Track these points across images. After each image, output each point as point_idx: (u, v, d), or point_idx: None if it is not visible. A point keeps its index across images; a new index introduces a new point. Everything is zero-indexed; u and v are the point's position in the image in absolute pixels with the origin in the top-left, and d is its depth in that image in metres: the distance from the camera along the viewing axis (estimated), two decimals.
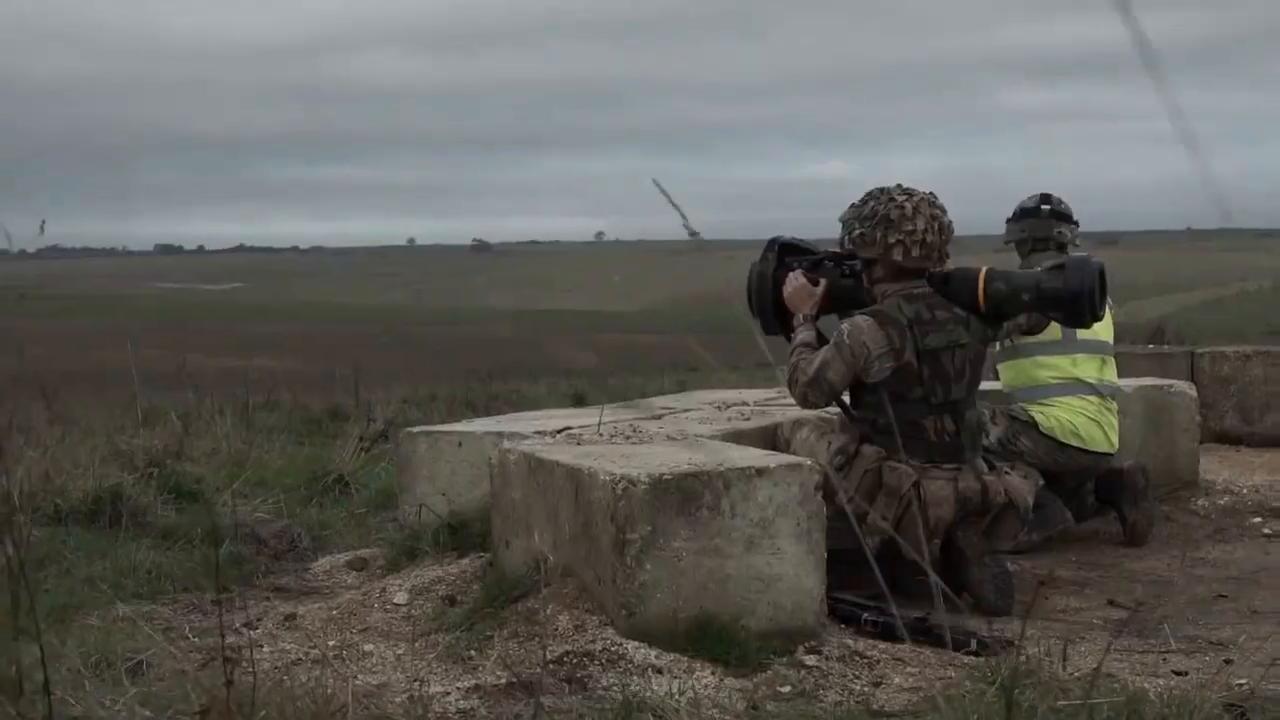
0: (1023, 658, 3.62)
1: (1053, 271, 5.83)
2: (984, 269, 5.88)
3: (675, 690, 4.01)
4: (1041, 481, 6.14)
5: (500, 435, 5.94)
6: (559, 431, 5.87)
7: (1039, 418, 6.64)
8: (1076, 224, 7.09)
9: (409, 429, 6.51)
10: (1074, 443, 6.65)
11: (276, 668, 4.43)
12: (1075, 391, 6.72)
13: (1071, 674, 3.87)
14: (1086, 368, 6.79)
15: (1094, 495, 6.83)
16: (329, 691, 3.38)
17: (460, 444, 6.20)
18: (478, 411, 12.75)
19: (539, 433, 5.89)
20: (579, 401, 14.38)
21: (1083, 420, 6.68)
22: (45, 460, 7.22)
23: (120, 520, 6.56)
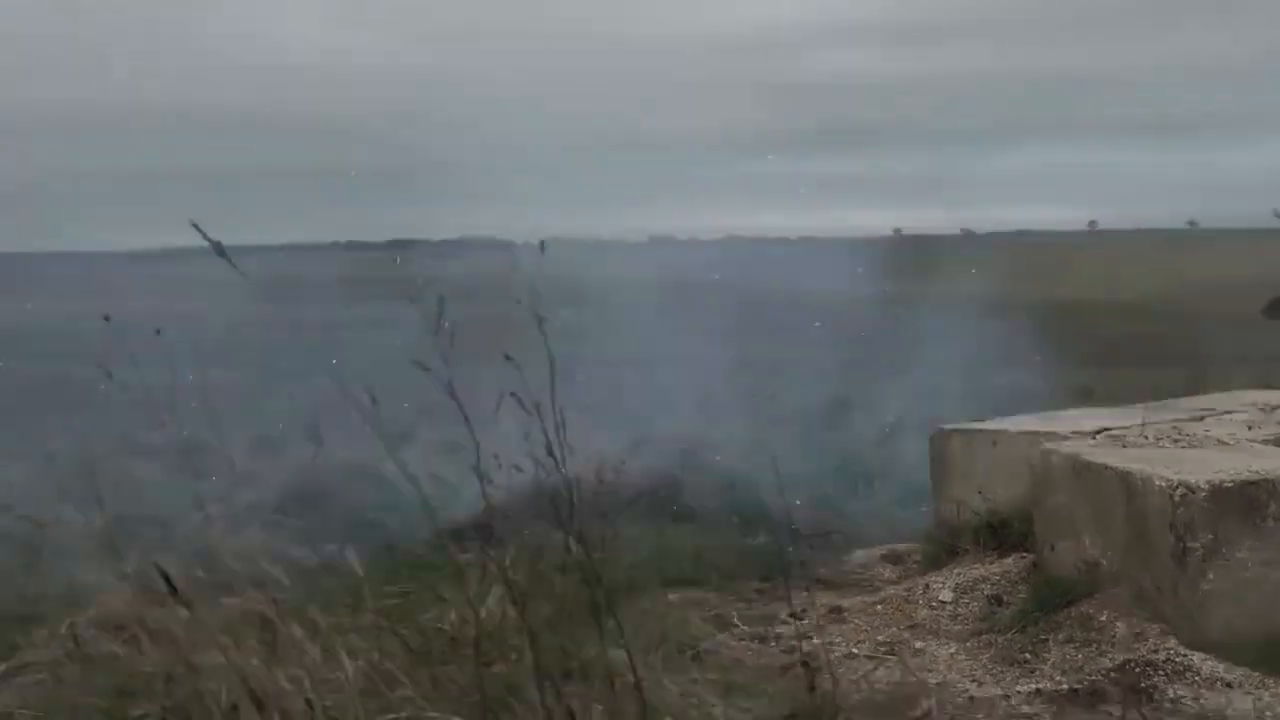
0: None
1: None
2: None
3: (1255, 709, 3.89)
4: None
5: (1037, 435, 5.89)
6: (1098, 433, 5.77)
7: None
8: None
9: (943, 427, 6.53)
10: None
11: (833, 659, 4.54)
12: None
13: None
14: None
15: None
16: (911, 694, 3.44)
17: (995, 443, 6.18)
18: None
19: (1077, 433, 5.81)
20: (1086, 395, 13.98)
21: None
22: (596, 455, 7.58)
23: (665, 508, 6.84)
